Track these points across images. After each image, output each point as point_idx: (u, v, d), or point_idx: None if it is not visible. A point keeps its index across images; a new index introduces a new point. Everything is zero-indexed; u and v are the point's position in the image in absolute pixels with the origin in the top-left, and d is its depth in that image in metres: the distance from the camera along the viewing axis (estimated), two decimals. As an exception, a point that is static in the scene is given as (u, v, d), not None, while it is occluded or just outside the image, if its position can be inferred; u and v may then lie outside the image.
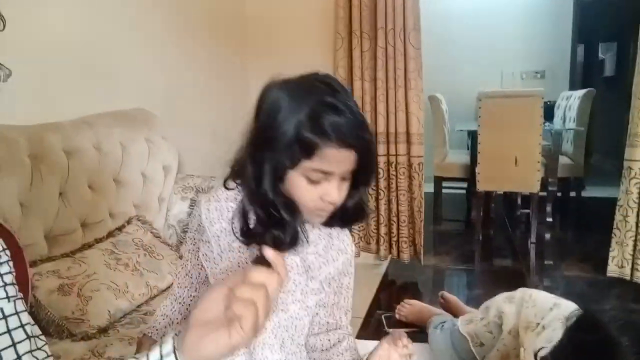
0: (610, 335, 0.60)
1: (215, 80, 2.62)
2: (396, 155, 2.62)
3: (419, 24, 2.55)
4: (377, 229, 2.69)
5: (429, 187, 3.71)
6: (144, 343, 0.98)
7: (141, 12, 2.00)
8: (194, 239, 0.93)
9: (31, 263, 1.22)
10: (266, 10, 2.79)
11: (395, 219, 2.65)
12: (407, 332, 1.34)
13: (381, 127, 2.61)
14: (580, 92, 3.68)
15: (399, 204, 2.62)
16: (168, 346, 0.56)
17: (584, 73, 6.02)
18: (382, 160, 2.63)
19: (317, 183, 0.78)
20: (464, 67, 4.67)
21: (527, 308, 1.12)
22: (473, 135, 3.38)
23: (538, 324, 1.05)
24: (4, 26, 0.61)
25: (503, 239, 3.40)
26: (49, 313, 1.15)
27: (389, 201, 2.66)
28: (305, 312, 0.88)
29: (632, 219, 2.30)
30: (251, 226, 0.82)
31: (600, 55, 6.21)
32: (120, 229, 1.55)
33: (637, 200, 2.29)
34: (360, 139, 0.77)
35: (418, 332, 1.41)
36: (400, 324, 1.50)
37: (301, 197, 0.79)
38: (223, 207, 0.87)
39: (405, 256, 2.62)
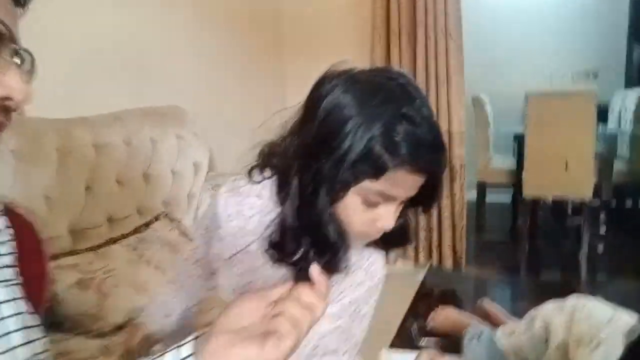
0: None
1: (252, 78, 2.59)
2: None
3: (460, 19, 2.44)
4: (416, 234, 2.57)
5: (472, 195, 3.54)
6: (133, 333, 0.89)
7: (176, 9, 1.99)
8: (208, 227, 0.84)
9: (53, 256, 1.20)
10: (303, 8, 2.75)
11: (435, 223, 2.52)
12: (440, 343, 1.24)
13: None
14: (638, 91, 3.42)
15: (441, 208, 2.50)
16: (187, 348, 0.51)
17: (640, 74, 5.63)
18: (421, 162, 2.52)
19: (374, 206, 0.67)
20: (510, 67, 4.45)
21: (581, 320, 0.99)
22: (519, 139, 3.19)
23: (593, 339, 0.92)
24: (23, 61, 0.56)
25: (552, 250, 3.19)
26: (65, 307, 1.12)
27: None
28: (315, 336, 0.76)
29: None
30: (285, 239, 0.71)
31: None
32: (147, 224, 1.52)
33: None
34: (436, 164, 0.66)
35: (452, 342, 1.28)
36: (433, 333, 1.39)
37: (351, 219, 0.68)
38: (244, 203, 0.78)
39: (448, 262, 2.49)
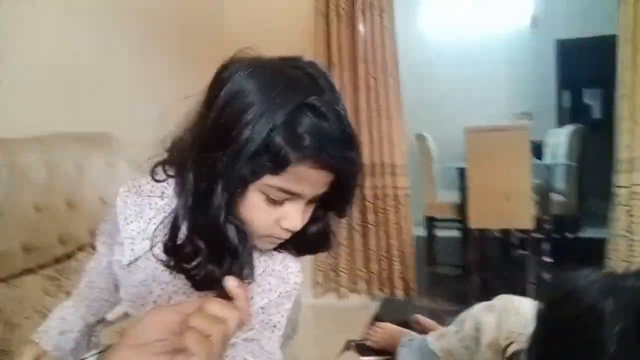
0: (591, 305, 0.45)
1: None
2: (383, 187, 2.52)
3: (397, 58, 2.54)
4: (367, 266, 2.54)
5: (421, 231, 3.58)
6: (26, 352, 0.77)
7: (120, 34, 1.98)
8: (109, 233, 0.76)
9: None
10: (243, 39, 2.77)
11: (385, 254, 2.50)
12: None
13: (366, 159, 2.53)
14: (569, 129, 3.65)
15: (389, 237, 2.49)
16: None
17: (571, 117, 6.07)
18: (368, 193, 2.53)
19: (278, 204, 0.62)
20: (452, 109, 4.68)
21: (510, 317, 0.96)
22: (462, 173, 3.29)
23: (522, 334, 0.89)
24: None
25: (500, 280, 3.22)
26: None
27: (377, 236, 2.53)
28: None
29: (622, 247, 2.25)
30: (180, 243, 0.63)
31: (587, 101, 6.27)
32: (69, 255, 1.41)
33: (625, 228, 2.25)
34: (344, 160, 0.60)
35: (391, 358, 1.22)
36: (372, 351, 1.32)
37: (253, 219, 0.62)
38: (145, 203, 0.70)
39: (399, 293, 2.46)
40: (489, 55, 4.76)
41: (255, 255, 0.69)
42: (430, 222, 3.65)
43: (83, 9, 1.82)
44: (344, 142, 0.60)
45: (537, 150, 4.16)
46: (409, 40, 4.44)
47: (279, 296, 0.71)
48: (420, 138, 3.67)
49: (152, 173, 0.69)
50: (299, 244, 0.70)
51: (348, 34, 2.54)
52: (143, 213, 0.70)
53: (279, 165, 0.58)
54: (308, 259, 2.53)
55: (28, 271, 1.28)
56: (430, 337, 1.06)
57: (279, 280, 0.72)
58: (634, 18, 2.13)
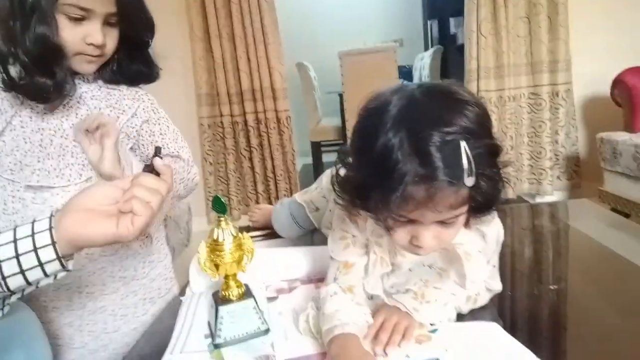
0: (384, 99, 0.62)
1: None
2: (264, 111, 2.61)
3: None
4: (255, 187, 2.67)
5: (309, 160, 3.78)
6: None
7: None
8: None
9: None
10: None
11: (272, 175, 2.64)
12: (260, 235, 1.33)
13: (246, 85, 2.59)
14: (430, 51, 4.00)
15: (274, 159, 2.62)
16: (43, 224, 0.54)
17: (439, 44, 6.55)
18: (251, 118, 2.61)
19: (79, 22, 0.75)
20: (329, 40, 4.82)
21: None
22: (341, 97, 3.49)
23: None
24: None
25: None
26: None
27: (263, 158, 2.65)
28: None
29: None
30: (14, 75, 0.74)
31: (453, 30, 6.79)
32: None
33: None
34: None
35: (270, 233, 1.39)
36: (255, 229, 1.48)
37: (65, 38, 0.75)
38: None
39: (285, 211, 2.63)
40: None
41: (107, 90, 0.88)
42: (317, 148, 3.85)
43: None
44: None
45: (410, 74, 4.52)
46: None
47: (143, 110, 0.91)
48: (301, 66, 3.78)
49: None
50: (127, 77, 0.89)
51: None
52: None
53: None
54: (199, 188, 2.59)
55: None
56: (296, 194, 1.22)
57: (133, 101, 0.90)
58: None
